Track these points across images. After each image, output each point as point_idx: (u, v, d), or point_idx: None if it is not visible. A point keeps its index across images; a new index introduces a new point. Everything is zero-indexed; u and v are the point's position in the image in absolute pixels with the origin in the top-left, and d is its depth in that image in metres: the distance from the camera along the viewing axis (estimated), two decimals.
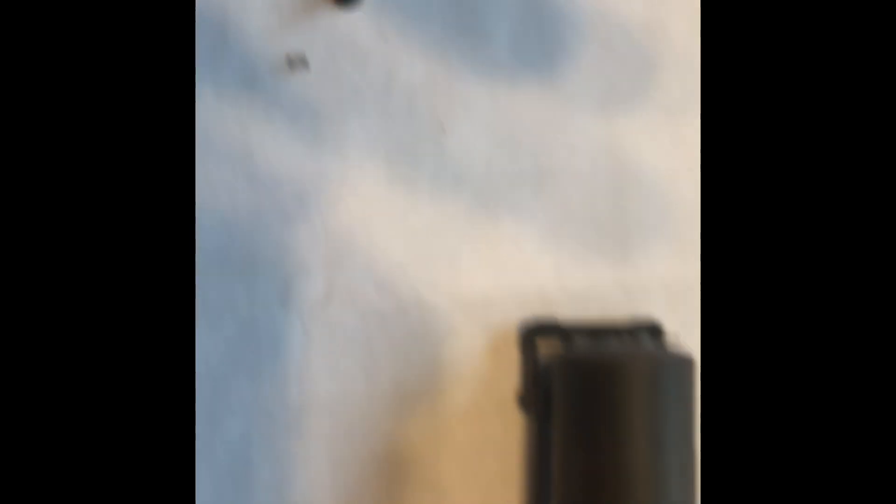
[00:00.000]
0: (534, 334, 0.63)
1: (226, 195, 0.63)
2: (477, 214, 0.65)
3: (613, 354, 0.56)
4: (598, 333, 0.62)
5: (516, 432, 0.62)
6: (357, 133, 0.64)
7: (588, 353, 0.58)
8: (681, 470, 0.53)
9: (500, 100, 0.66)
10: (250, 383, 0.62)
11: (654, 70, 0.65)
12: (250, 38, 0.64)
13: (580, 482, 0.54)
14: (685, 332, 0.60)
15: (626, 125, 0.65)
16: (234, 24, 0.64)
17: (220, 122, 0.63)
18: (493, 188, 0.65)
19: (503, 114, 0.65)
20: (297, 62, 0.64)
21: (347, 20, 0.65)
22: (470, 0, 0.66)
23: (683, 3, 0.65)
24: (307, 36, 0.64)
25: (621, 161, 0.65)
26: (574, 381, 0.56)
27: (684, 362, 0.55)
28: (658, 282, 0.63)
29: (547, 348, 0.62)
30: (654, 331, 0.62)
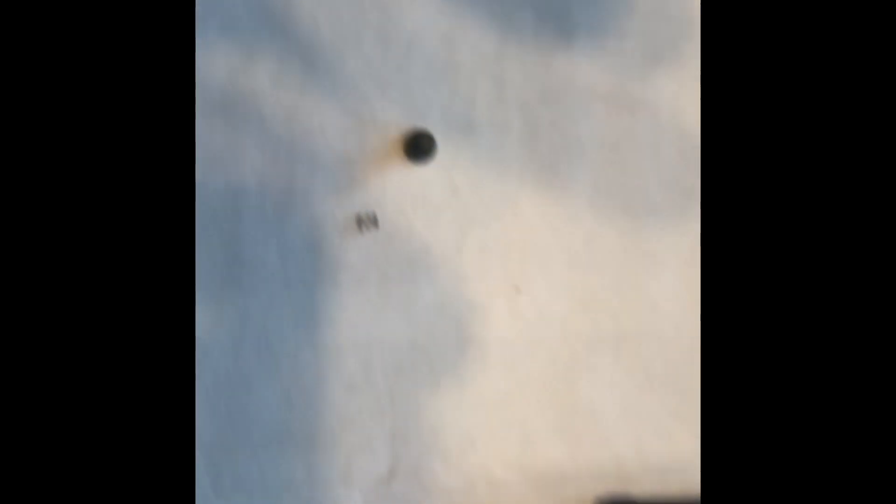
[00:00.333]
0: None
1: (288, 364, 0.60)
2: (551, 381, 0.61)
3: None
4: None
5: None
6: (426, 294, 0.61)
7: None
8: None
9: (578, 257, 0.62)
10: None
11: None
12: (318, 197, 0.60)
13: None
14: None
15: None
16: (302, 183, 0.60)
17: (284, 286, 0.60)
18: (570, 352, 0.61)
19: (581, 272, 0.62)
20: (367, 222, 0.60)
21: (419, 175, 0.61)
22: (548, 152, 0.61)
23: None
24: (377, 193, 0.60)
25: None
26: None
27: None
28: None
29: None
30: None
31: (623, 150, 0.62)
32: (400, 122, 0.61)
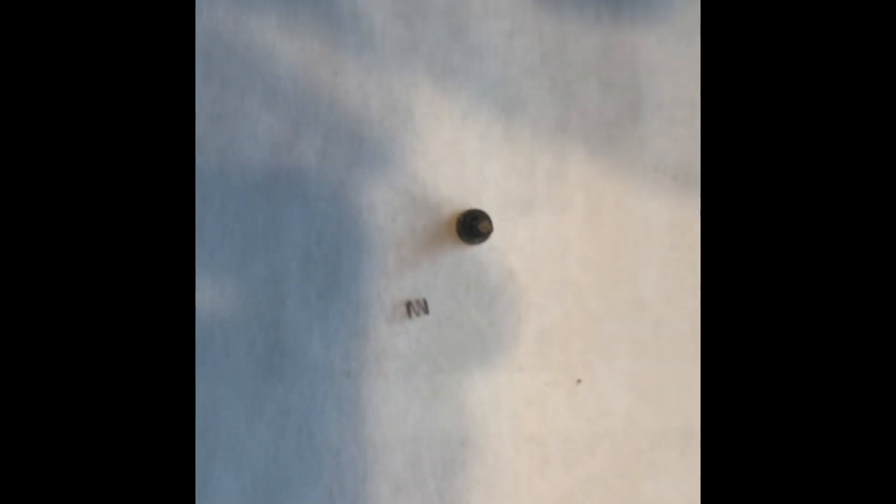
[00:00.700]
0: None
1: (330, 461, 0.55)
2: (614, 480, 0.57)
3: None
4: None
5: None
6: (479, 386, 0.56)
7: None
8: None
9: (644, 347, 0.57)
10: None
11: None
12: (365, 280, 0.56)
13: None
14: None
15: None
16: (348, 265, 0.56)
17: (327, 376, 0.55)
18: (634, 449, 0.57)
19: (647, 363, 0.57)
20: (416, 307, 0.56)
21: (473, 257, 0.57)
22: (612, 232, 0.57)
23: None
24: (428, 276, 0.56)
25: None
26: None
27: None
28: None
29: None
30: None
31: (694, 230, 0.57)
32: (453, 201, 0.56)
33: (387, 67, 0.56)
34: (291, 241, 0.55)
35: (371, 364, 0.56)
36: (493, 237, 0.56)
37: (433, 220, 0.56)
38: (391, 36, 0.56)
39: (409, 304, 0.56)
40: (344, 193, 0.56)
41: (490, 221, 0.55)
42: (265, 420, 0.55)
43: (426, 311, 0.56)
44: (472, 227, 0.55)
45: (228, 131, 0.55)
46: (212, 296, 0.54)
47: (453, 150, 0.56)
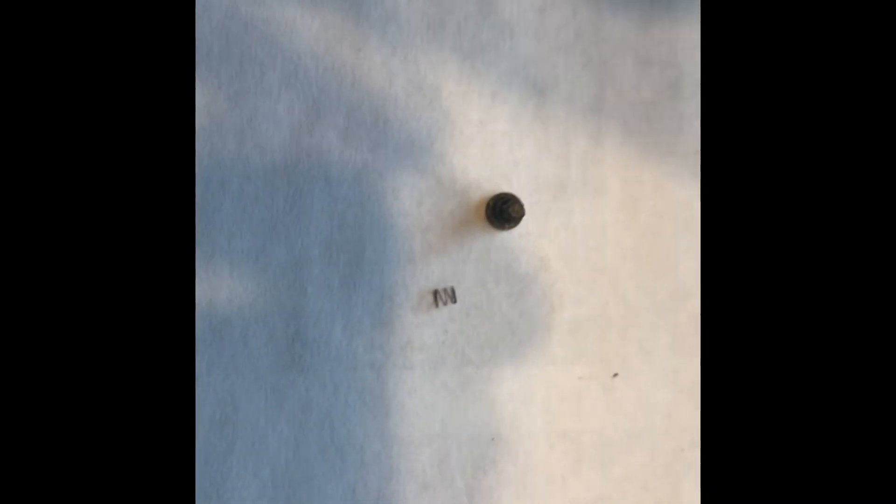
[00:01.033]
0: None
1: (354, 458, 0.53)
2: (653, 480, 0.54)
3: None
4: None
5: None
6: (511, 382, 0.54)
7: None
8: None
9: (684, 339, 0.54)
10: None
11: None
12: (389, 268, 0.53)
13: None
14: None
15: None
16: (372, 252, 0.53)
17: (350, 368, 0.53)
18: (673, 447, 0.54)
19: (687, 356, 0.54)
20: (444, 296, 0.53)
21: (503, 243, 0.54)
22: (651, 217, 0.54)
23: None
24: (456, 263, 0.53)
25: None
26: None
27: None
28: None
29: None
30: None
31: None
32: (482, 184, 0.54)
33: (412, 44, 0.53)
34: (313, 226, 0.53)
35: (396, 355, 0.53)
36: (525, 222, 0.53)
37: (461, 205, 0.54)
38: (417, 11, 0.53)
39: (435, 293, 0.53)
40: (367, 176, 0.53)
41: (521, 205, 0.52)
42: (285, 414, 0.52)
43: (454, 300, 0.53)
44: (503, 211, 0.52)
45: (247, 111, 0.52)
46: (230, 283, 0.52)
47: (482, 130, 0.54)
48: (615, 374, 0.54)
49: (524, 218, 0.53)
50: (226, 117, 0.52)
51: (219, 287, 0.52)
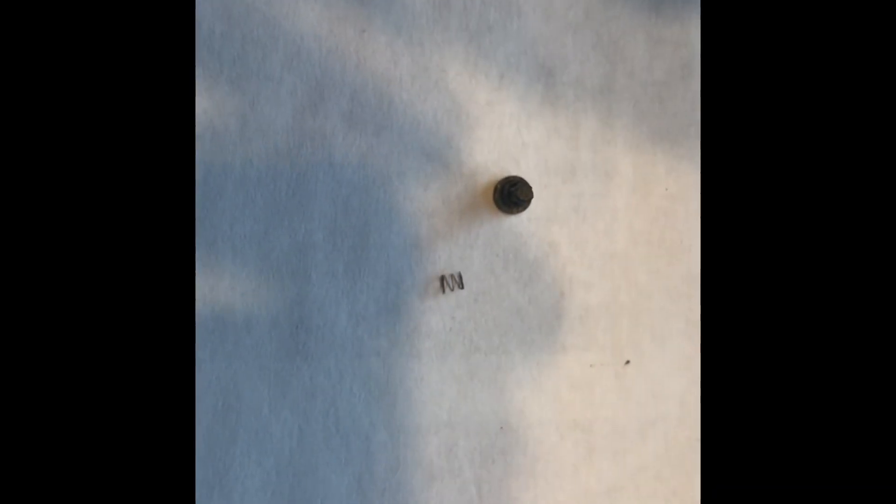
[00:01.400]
0: None
1: (359, 447, 0.52)
2: (666, 470, 0.52)
3: None
4: None
5: None
6: (519, 367, 0.52)
7: None
8: None
9: (697, 325, 0.53)
10: None
11: None
12: (395, 253, 0.52)
13: None
14: None
15: None
16: (377, 237, 0.52)
17: (356, 356, 0.52)
18: (687, 436, 0.52)
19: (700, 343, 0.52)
20: (451, 282, 0.52)
21: (511, 228, 0.52)
22: (663, 201, 0.53)
23: None
24: (463, 248, 0.52)
25: None
26: None
27: None
28: None
29: None
30: None
31: None
32: (489, 167, 0.52)
33: (417, 24, 0.52)
34: (316, 210, 0.52)
35: (402, 343, 0.52)
36: (534, 206, 0.52)
37: (468, 188, 0.52)
38: None
39: (442, 279, 0.52)
40: (372, 160, 0.52)
41: (530, 189, 0.51)
42: (289, 402, 0.51)
43: (461, 285, 0.52)
44: (511, 194, 0.51)
45: (250, 93, 0.51)
46: (232, 269, 0.51)
47: (490, 112, 0.52)
48: (627, 362, 0.53)
49: (533, 202, 0.52)
50: (228, 100, 0.51)
51: (221, 273, 0.51)
